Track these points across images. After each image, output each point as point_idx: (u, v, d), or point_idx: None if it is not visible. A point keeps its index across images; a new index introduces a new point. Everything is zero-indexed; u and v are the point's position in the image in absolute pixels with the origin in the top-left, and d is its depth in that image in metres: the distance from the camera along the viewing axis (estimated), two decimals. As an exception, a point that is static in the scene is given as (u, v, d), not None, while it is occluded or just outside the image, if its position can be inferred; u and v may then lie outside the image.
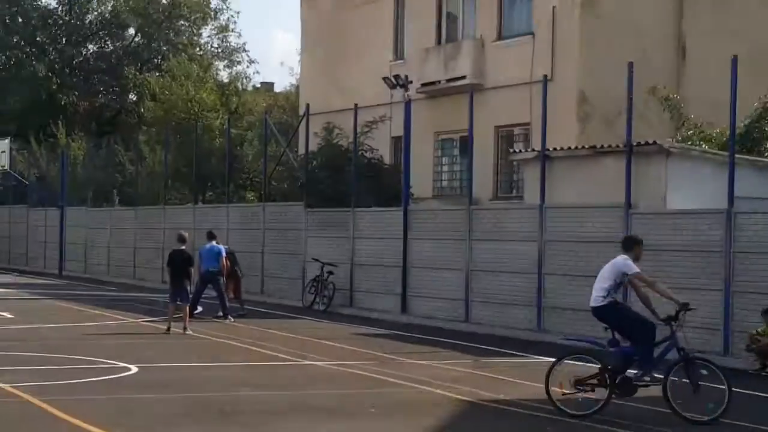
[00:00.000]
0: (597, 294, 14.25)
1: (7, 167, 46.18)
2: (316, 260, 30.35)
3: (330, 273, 29.67)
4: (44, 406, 13.43)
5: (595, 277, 14.87)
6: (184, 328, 22.61)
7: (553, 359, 14.62)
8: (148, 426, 12.34)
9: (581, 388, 13.87)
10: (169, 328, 22.67)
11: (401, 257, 27.98)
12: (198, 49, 67.10)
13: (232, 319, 25.64)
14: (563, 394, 13.83)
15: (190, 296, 23.84)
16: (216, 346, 20.91)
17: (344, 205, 31.01)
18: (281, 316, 28.03)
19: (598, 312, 14.28)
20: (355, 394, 15.19)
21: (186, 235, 24.46)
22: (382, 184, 32.12)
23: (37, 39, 67.19)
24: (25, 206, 51.77)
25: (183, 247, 23.58)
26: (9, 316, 25.93)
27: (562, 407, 13.74)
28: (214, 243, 26.46)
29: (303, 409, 13.79)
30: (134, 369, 17.04)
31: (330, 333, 23.78)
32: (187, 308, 23.23)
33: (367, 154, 32.67)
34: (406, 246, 27.92)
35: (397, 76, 33.48)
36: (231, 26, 68.40)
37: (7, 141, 47.07)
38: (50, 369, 16.99)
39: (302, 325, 25.55)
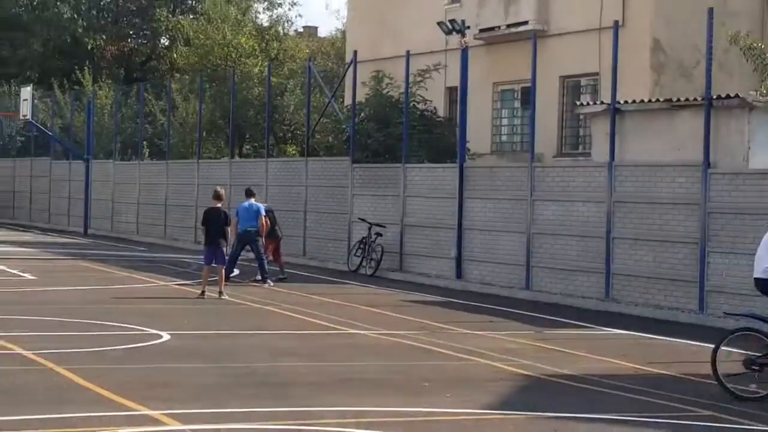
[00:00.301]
0: (764, 265, 13.65)
1: (29, 116, 46.36)
2: (363, 220, 30.33)
3: (378, 234, 29.63)
4: (68, 375, 13.49)
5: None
6: (220, 293, 22.66)
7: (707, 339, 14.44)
8: (182, 399, 12.34)
9: (755, 368, 13.47)
10: (203, 292, 22.73)
11: (456, 218, 27.86)
12: (236, -11, 66.96)
13: (271, 283, 25.67)
14: (731, 375, 13.47)
15: (227, 258, 23.84)
16: (254, 312, 20.95)
17: (394, 160, 30.93)
18: (325, 280, 28.05)
19: (764, 285, 13.72)
20: (405, 367, 15.15)
21: (222, 191, 24.44)
22: (435, 138, 32.00)
23: (62, -22, 67.35)
24: (48, 159, 52.08)
25: (219, 205, 23.57)
26: (30, 277, 26.15)
27: (732, 389, 13.36)
28: (252, 201, 26.45)
29: (349, 382, 13.77)
30: (166, 336, 17.09)
31: (377, 299, 23.78)
32: (223, 271, 23.27)
33: (420, 106, 32.49)
34: (461, 206, 27.79)
35: (453, 21, 33.20)
36: (271, -35, 68.23)
37: (29, 88, 47.23)
38: (75, 335, 17.07)
39: (347, 291, 25.54)
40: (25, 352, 15.03)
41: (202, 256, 24.39)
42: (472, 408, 12.42)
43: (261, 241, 26.09)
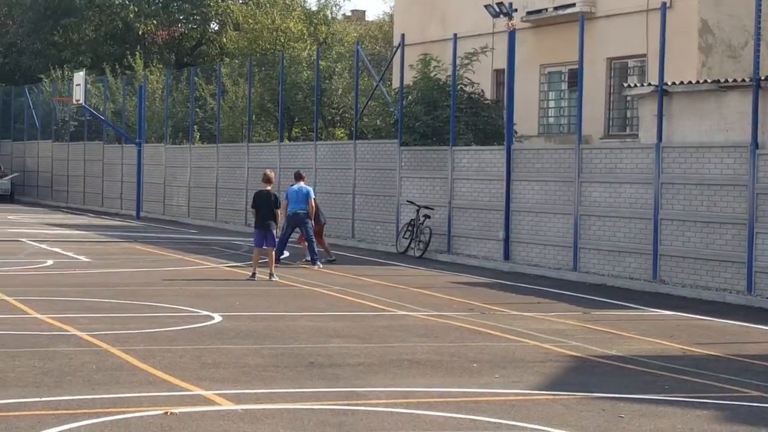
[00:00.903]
0: None
1: (82, 101, 46.62)
2: (411, 203, 30.34)
3: (426, 216, 29.62)
4: (123, 355, 13.58)
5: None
6: (270, 275, 22.73)
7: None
8: (234, 379, 12.39)
9: None
10: (253, 274, 22.83)
11: (504, 200, 27.81)
12: (284, -26, 67.03)
13: (321, 265, 25.71)
14: None
15: (277, 240, 23.91)
16: (304, 293, 20.99)
17: (441, 143, 30.91)
18: (373, 262, 28.07)
19: None
20: (454, 348, 15.13)
21: (272, 174, 24.49)
22: (482, 120, 31.92)
23: (113, -37, 67.62)
24: (101, 143, 52.40)
25: (269, 188, 23.61)
26: (85, 259, 26.35)
27: None
28: (302, 184, 26.53)
29: (398, 363, 13.77)
30: (218, 318, 17.17)
31: (426, 281, 23.78)
32: (273, 253, 23.34)
33: (467, 88, 32.39)
34: (509, 188, 27.73)
35: (500, 4, 32.98)
36: (319, -50, 68.24)
37: (82, 73, 47.47)
38: (128, 316, 17.19)
39: (396, 273, 25.55)
40: (80, 334, 15.16)
41: (252, 239, 24.46)
42: (521, 389, 12.40)
43: (310, 223, 26.17)
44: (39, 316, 16.78)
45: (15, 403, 10.82)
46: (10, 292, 19.41)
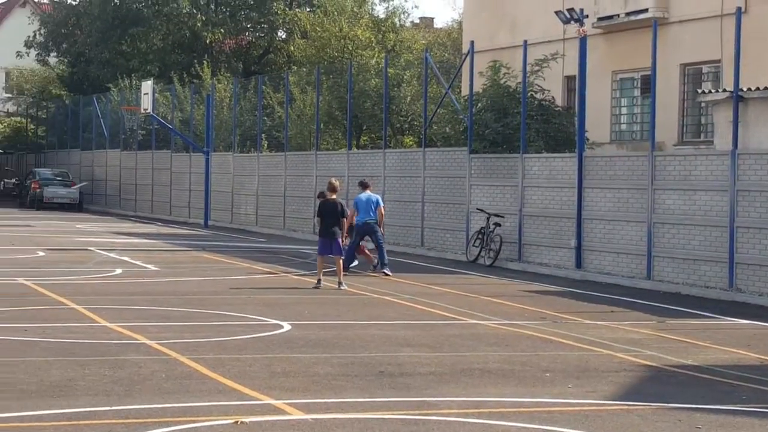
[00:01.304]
0: None
1: (150, 110, 47.00)
2: (482, 210, 30.25)
3: (496, 224, 29.52)
4: (192, 364, 13.61)
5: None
6: (339, 283, 22.73)
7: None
8: (304, 388, 12.37)
9: None
10: (319, 281, 22.85)
11: (575, 208, 27.64)
12: (352, -19, 67.17)
13: (390, 273, 25.67)
14: None
15: (344, 249, 23.91)
16: (373, 302, 20.97)
17: (512, 150, 30.80)
18: (443, 270, 28.00)
19: None
20: (526, 357, 15.02)
21: (337, 183, 24.47)
22: (553, 127, 31.76)
23: (181, -28, 68.16)
24: (169, 152, 52.80)
25: (334, 197, 23.59)
26: (153, 268, 26.51)
27: None
28: (369, 192, 26.60)
29: (469, 372, 13.69)
30: (287, 326, 17.18)
31: (497, 289, 23.68)
32: (341, 261, 23.34)
33: (537, 95, 32.26)
34: (580, 195, 27.56)
35: (571, 10, 32.82)
36: (387, -43, 68.39)
37: (150, 82, 47.85)
38: (197, 325, 17.24)
39: (466, 281, 25.47)
40: (149, 342, 15.23)
41: (312, 249, 24.50)
42: (595, 399, 12.28)
43: (380, 231, 26.20)
44: (108, 324, 16.88)
45: (85, 411, 10.87)
46: (80, 300, 19.56)
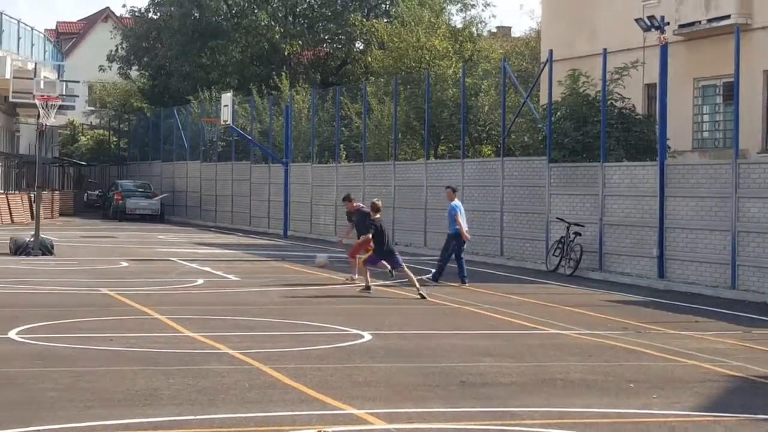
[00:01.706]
0: None
1: (229, 122, 47.29)
2: (561, 220, 30.06)
3: (577, 234, 29.33)
4: (274, 374, 13.63)
5: None
6: (420, 294, 22.65)
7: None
8: (385, 398, 12.34)
9: None
10: (368, 287, 23.40)
11: (657, 217, 27.36)
12: (429, -8, 67.21)
13: (467, 283, 25.50)
14: None
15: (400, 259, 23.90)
16: (453, 312, 20.89)
17: (592, 159, 30.58)
18: (522, 280, 27.86)
19: None
20: (609, 367, 14.86)
21: (380, 203, 24.79)
22: (633, 136, 31.50)
23: (259, -15, 68.64)
24: (248, 163, 53.12)
25: (378, 216, 23.88)
26: (235, 278, 26.64)
27: None
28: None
29: (551, 382, 13.58)
30: (367, 336, 17.16)
31: (578, 299, 23.50)
32: (409, 272, 23.28)
33: (617, 103, 32.01)
34: (662, 204, 27.26)
35: (651, 17, 32.58)
36: (464, -34, 68.27)
37: (229, 94, 48.16)
38: (279, 335, 17.27)
39: (546, 291, 25.31)
40: (231, 352, 15.28)
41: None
42: (681, 410, 12.11)
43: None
44: (191, 334, 16.98)
45: (170, 420, 10.94)
46: (163, 311, 19.70)
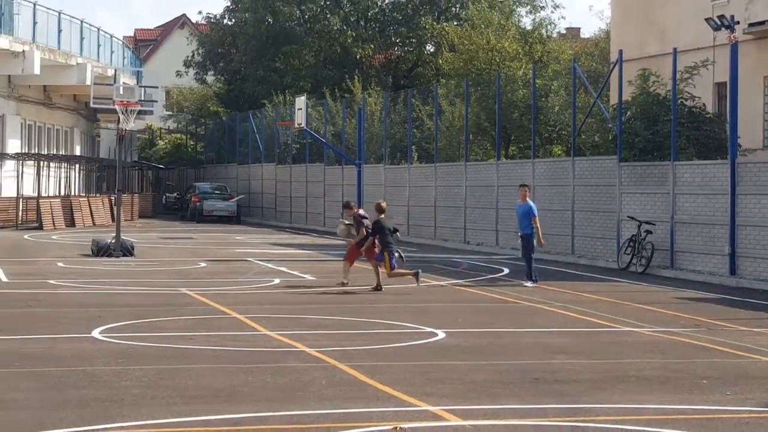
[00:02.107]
0: None
1: (303, 125, 47.43)
2: (632, 218, 29.85)
3: (648, 232, 29.11)
4: (350, 371, 13.67)
5: None
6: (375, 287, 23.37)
7: None
8: (461, 395, 12.33)
9: None
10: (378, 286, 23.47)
11: (728, 214, 27.06)
12: (498, -6, 67.04)
13: (530, 284, 25.20)
14: None
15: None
16: (525, 310, 20.82)
17: (662, 158, 30.33)
18: (594, 278, 27.69)
19: None
20: (682, 364, 14.73)
21: (384, 204, 24.98)
22: (704, 134, 31.20)
23: (332, -10, 68.86)
24: (322, 164, 53.27)
25: (382, 216, 24.08)
26: (310, 278, 26.74)
27: None
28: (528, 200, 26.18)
29: (624, 379, 13.48)
30: (441, 334, 17.15)
31: (649, 297, 23.32)
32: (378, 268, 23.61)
33: (688, 102, 31.71)
34: (734, 202, 26.95)
35: (721, 17, 32.24)
36: (533, -31, 68.01)
37: (303, 98, 48.27)
38: (354, 333, 17.32)
39: (618, 288, 25.14)
40: (308, 350, 15.33)
41: (466, 257, 24.40)
42: (754, 406, 11.98)
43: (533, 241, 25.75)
44: (269, 333, 17.06)
45: (251, 417, 10.99)
46: (241, 310, 19.82)
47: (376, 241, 23.85)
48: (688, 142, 30.47)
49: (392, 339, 16.59)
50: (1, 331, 16.95)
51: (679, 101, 30.70)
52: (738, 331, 18.01)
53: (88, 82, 48.71)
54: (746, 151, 30.42)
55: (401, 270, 24.20)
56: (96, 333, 16.72)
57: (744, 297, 23.57)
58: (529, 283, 24.98)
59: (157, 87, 38.43)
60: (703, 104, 32.56)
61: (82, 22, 56.42)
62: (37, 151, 55.43)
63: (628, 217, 30.37)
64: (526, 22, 63.27)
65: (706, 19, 32.46)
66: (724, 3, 35.21)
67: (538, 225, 25.66)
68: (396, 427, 10.55)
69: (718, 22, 31.66)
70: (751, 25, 33.55)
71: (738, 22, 32.21)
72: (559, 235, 33.87)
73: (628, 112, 32.59)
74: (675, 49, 30.30)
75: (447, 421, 11.02)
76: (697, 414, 11.55)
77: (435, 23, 65.18)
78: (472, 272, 28.64)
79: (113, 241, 32.57)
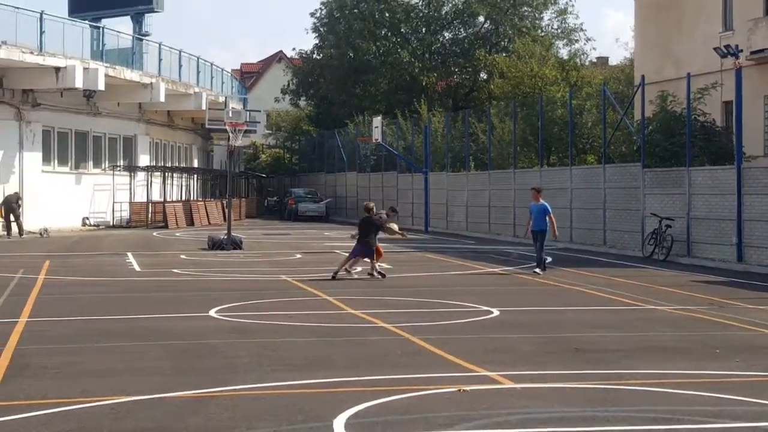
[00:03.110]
0: None
1: (379, 140, 47.65)
2: (654, 215, 29.54)
3: (668, 226, 28.78)
4: (421, 343, 13.63)
5: None
6: (332, 275, 22.72)
7: None
8: (513, 362, 12.25)
9: None
10: (380, 273, 22.99)
11: (736, 211, 26.68)
12: (540, 31, 66.69)
13: (541, 272, 23.82)
14: None
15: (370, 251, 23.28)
16: (566, 292, 20.63)
17: (679, 164, 29.97)
18: (623, 265, 27.40)
19: None
20: (698, 336, 14.51)
21: (372, 205, 24.47)
22: (714, 144, 30.81)
23: (401, 30, 68.91)
24: (395, 173, 53.27)
25: (368, 215, 23.72)
26: (386, 266, 26.61)
27: None
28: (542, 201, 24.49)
29: (649, 350, 13.32)
30: (496, 312, 17.05)
31: (669, 280, 23.03)
32: (345, 259, 22.95)
33: (700, 118, 31.32)
34: (740, 201, 26.59)
35: (727, 46, 31.89)
36: (569, 9, 67.60)
37: (379, 118, 48.60)
38: (424, 311, 17.25)
39: (643, 274, 24.86)
40: (386, 325, 15.32)
41: (513, 248, 24.19)
42: (760, 371, 11.79)
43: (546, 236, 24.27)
44: (353, 311, 17.07)
45: (339, 381, 11.02)
46: (330, 292, 19.86)
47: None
48: (701, 151, 30.12)
49: (456, 316, 16.54)
50: (136, 311, 17.14)
51: (692, 117, 30.33)
52: (745, 309, 17.72)
53: (204, 108, 49.33)
54: (750, 158, 29.96)
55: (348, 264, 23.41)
56: (212, 312, 16.84)
57: (750, 280, 23.19)
58: (539, 270, 23.68)
59: (259, 110, 38.67)
60: (713, 119, 32.16)
61: (198, 58, 56.95)
62: (162, 164, 56.04)
63: (651, 213, 30.06)
64: (564, 53, 62.87)
65: (715, 48, 32.12)
66: (730, 34, 34.75)
67: (554, 220, 24.42)
68: (460, 389, 10.51)
69: (725, 51, 31.29)
70: (752, 52, 33.07)
71: (741, 51, 31.84)
72: (592, 229, 33.58)
73: (650, 127, 32.26)
74: (689, 74, 29.91)
75: (502, 384, 10.95)
76: (711, 378, 11.38)
77: (487, 55, 64.90)
78: (521, 261, 28.48)
79: (225, 237, 32.81)
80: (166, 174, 54.10)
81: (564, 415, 9.44)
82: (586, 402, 10.03)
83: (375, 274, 23.13)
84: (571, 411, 9.62)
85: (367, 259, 23.53)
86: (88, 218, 47.91)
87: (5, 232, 40.22)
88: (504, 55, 62.58)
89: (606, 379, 11.24)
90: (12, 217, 40.13)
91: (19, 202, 40.41)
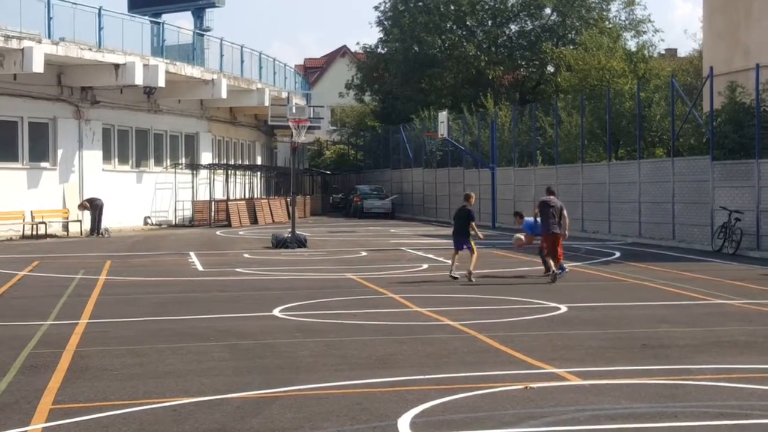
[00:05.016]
0: None
1: (445, 135, 47.62)
2: (724, 208, 29.25)
3: (737, 219, 28.50)
4: (487, 340, 13.69)
5: None
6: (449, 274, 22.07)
7: None
8: (581, 359, 12.27)
9: None
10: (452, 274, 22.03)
11: (807, 203, 26.38)
12: (607, 22, 66.08)
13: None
14: None
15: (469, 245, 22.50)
16: (634, 287, 20.54)
17: (748, 157, 29.64)
18: (691, 259, 27.18)
19: None
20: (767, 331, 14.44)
21: (472, 194, 23.52)
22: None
23: (467, 23, 68.78)
24: (461, 168, 53.22)
25: (465, 204, 22.85)
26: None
27: None
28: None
29: (719, 344, 13.26)
30: (563, 308, 17.07)
31: (740, 274, 22.81)
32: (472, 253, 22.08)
33: (769, 109, 30.95)
34: (811, 192, 26.28)
35: (798, 34, 31.45)
36: (636, 0, 66.88)
37: (445, 113, 48.53)
38: (490, 309, 17.30)
39: (712, 267, 24.65)
40: (452, 323, 15.39)
41: (581, 244, 24.04)
42: (832, 367, 11.71)
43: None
44: (419, 309, 17.13)
45: (405, 380, 11.10)
46: (396, 290, 19.97)
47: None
48: (772, 143, 29.76)
49: (522, 313, 16.57)
50: (199, 311, 17.27)
51: (762, 108, 29.97)
52: (817, 303, 17.55)
53: (267, 104, 49.74)
54: (822, 148, 29.56)
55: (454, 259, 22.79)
56: (276, 311, 16.94)
57: (823, 274, 22.94)
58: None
59: (323, 106, 39.00)
60: (783, 110, 31.73)
61: (260, 53, 57.31)
62: (225, 162, 56.51)
63: (720, 207, 29.78)
64: (631, 45, 62.26)
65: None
66: (801, 23, 34.24)
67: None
68: (526, 386, 10.58)
69: (796, 40, 30.82)
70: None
71: (813, 39, 31.38)
72: (661, 223, 33.33)
73: (719, 119, 31.92)
74: (758, 65, 29.58)
75: (569, 381, 10.99)
76: (781, 374, 11.33)
77: (554, 47, 64.54)
78: (589, 256, 28.38)
79: (290, 235, 33.00)
80: (229, 172, 54.47)
81: (632, 412, 9.47)
82: (654, 398, 10.05)
83: (553, 271, 21.61)
84: (639, 407, 9.64)
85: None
86: (149, 217, 48.37)
87: (90, 231, 41.15)
88: (571, 47, 62.18)
89: (675, 375, 11.23)
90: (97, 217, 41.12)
91: (103, 208, 41.44)
